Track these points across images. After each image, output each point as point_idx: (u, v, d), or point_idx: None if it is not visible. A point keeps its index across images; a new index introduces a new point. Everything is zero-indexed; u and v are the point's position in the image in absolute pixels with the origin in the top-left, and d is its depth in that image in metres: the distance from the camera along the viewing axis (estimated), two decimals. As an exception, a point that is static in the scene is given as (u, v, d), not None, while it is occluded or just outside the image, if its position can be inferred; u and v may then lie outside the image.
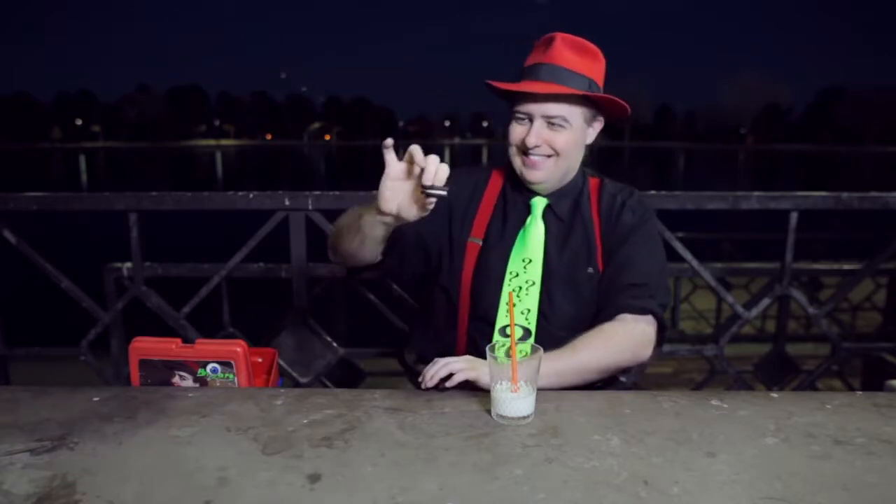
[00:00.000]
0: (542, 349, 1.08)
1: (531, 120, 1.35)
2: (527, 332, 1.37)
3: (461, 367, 1.16)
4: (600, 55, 1.37)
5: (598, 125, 1.42)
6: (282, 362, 2.42)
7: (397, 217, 1.18)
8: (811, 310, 2.52)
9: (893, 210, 2.38)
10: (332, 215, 2.26)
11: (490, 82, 1.36)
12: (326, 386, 2.54)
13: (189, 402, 1.14)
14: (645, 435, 1.02)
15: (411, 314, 2.13)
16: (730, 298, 2.49)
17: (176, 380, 1.26)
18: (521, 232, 1.41)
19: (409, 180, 1.15)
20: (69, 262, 2.56)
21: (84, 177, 43.73)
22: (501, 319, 1.38)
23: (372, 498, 0.84)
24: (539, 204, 1.42)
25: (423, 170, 1.11)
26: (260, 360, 1.37)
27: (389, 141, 1.14)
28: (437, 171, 1.10)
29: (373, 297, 2.57)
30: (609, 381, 1.43)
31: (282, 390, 1.20)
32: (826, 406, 1.13)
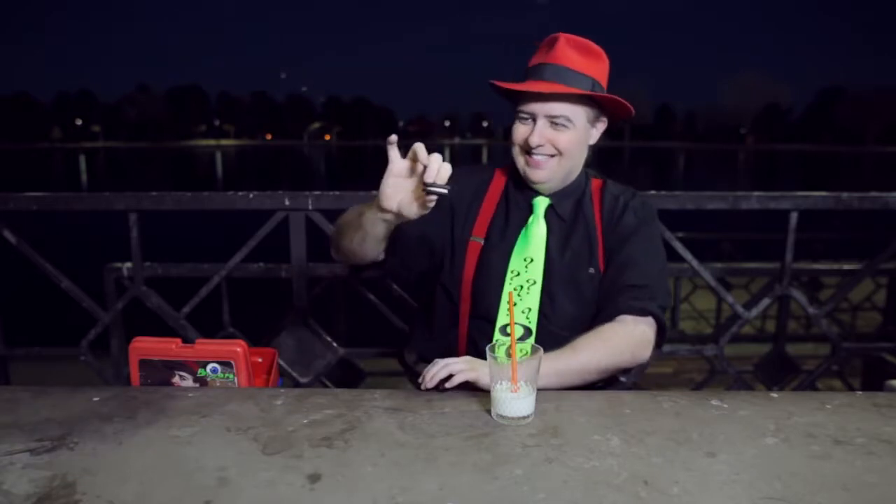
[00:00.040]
0: (542, 349, 1.08)
1: (535, 119, 1.35)
2: (527, 330, 1.37)
3: (461, 367, 1.16)
4: (604, 56, 1.37)
5: (602, 126, 1.42)
6: (282, 362, 2.42)
7: (398, 214, 1.18)
8: (811, 310, 2.52)
9: (893, 210, 2.38)
10: (332, 215, 2.26)
11: (494, 82, 1.36)
12: (326, 386, 2.54)
13: (189, 402, 1.14)
14: (645, 435, 1.02)
15: (411, 314, 2.13)
16: (730, 298, 2.49)
17: (176, 380, 1.26)
18: (524, 231, 1.42)
19: (412, 178, 1.15)
20: (69, 262, 2.56)
21: (84, 177, 43.74)
22: (502, 318, 1.38)
23: (372, 498, 0.84)
24: (541, 203, 1.43)
25: (425, 168, 1.11)
26: (260, 360, 1.37)
27: (394, 137, 1.15)
28: (439, 169, 1.11)
29: (373, 297, 2.57)
30: (609, 381, 1.43)
31: (282, 390, 1.20)
32: (826, 406, 1.13)
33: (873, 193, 2.38)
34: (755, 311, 2.49)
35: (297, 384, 2.48)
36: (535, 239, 1.40)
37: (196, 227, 10.57)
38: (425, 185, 1.11)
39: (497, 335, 1.38)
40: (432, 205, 1.16)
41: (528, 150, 1.37)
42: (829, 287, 5.68)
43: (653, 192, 2.27)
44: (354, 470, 0.91)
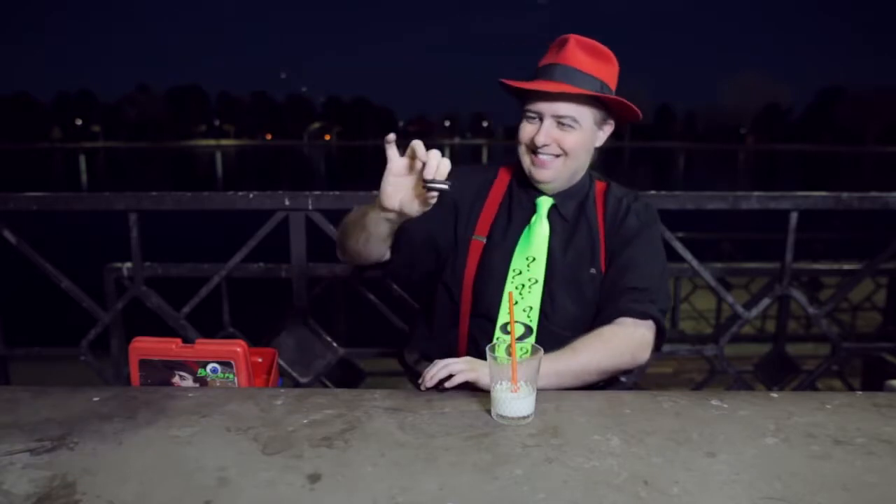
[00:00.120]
0: (542, 349, 1.08)
1: (542, 119, 1.35)
2: (528, 329, 1.37)
3: (461, 368, 1.16)
4: (614, 59, 1.37)
5: (609, 128, 1.43)
6: (282, 362, 2.42)
7: (400, 213, 1.18)
8: (811, 310, 2.52)
9: (893, 210, 2.38)
10: (332, 215, 2.26)
11: (503, 80, 1.36)
12: (326, 386, 2.54)
13: (189, 402, 1.14)
14: (645, 435, 1.02)
15: (411, 314, 2.13)
16: (730, 298, 2.49)
17: (176, 380, 1.26)
18: (526, 230, 1.42)
19: (411, 176, 1.15)
20: (69, 262, 2.56)
21: (84, 177, 43.74)
22: (503, 317, 1.38)
23: (372, 498, 0.84)
24: (545, 203, 1.43)
25: (424, 165, 1.11)
26: (260, 360, 1.37)
27: (392, 136, 1.14)
28: (438, 165, 1.10)
29: (373, 297, 2.57)
30: (609, 381, 1.43)
31: (282, 390, 1.20)
32: (826, 406, 1.13)
33: (873, 193, 2.38)
34: (755, 311, 2.49)
35: (297, 384, 2.48)
36: (537, 238, 1.41)
37: (196, 227, 10.57)
38: (425, 181, 1.11)
39: (498, 333, 1.38)
40: (434, 201, 1.16)
41: (534, 149, 1.37)
42: (829, 287, 5.68)
43: (653, 192, 2.27)
44: (354, 470, 0.91)
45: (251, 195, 2.29)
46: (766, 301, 2.50)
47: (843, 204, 2.36)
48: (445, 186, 1.11)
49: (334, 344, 2.49)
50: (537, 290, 1.38)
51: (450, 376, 1.16)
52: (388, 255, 1.36)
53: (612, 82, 1.37)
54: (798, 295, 2.49)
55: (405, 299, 2.49)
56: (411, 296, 2.45)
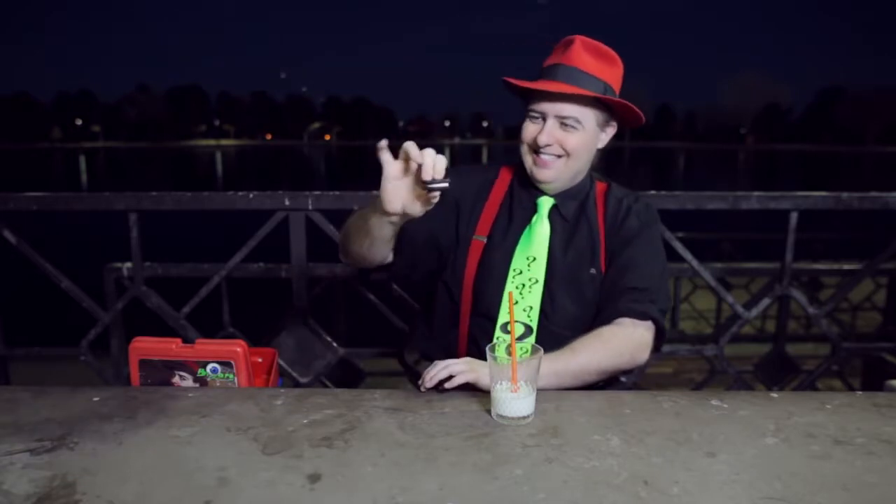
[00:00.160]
0: (542, 349, 1.08)
1: (544, 119, 1.35)
2: (528, 328, 1.37)
3: (461, 368, 1.16)
4: (618, 61, 1.37)
5: (612, 130, 1.43)
6: (282, 362, 2.42)
7: (403, 215, 1.17)
8: (811, 310, 2.52)
9: (893, 210, 2.38)
10: (332, 215, 2.26)
11: (507, 79, 1.37)
12: (326, 386, 2.54)
13: (189, 402, 1.14)
14: (645, 435, 1.02)
15: (411, 314, 2.13)
16: (730, 298, 2.49)
17: (176, 380, 1.26)
18: (527, 230, 1.42)
19: (408, 177, 1.14)
20: (69, 262, 2.56)
21: (84, 177, 43.74)
22: (503, 316, 1.38)
23: (372, 498, 0.84)
24: (546, 203, 1.43)
25: (420, 165, 1.10)
26: (260, 360, 1.37)
27: (384, 142, 1.13)
28: (434, 163, 1.10)
29: (373, 297, 2.57)
30: (609, 382, 1.43)
31: (282, 390, 1.20)
32: (826, 406, 1.13)
33: (873, 193, 2.38)
34: (755, 311, 2.50)
35: (297, 384, 2.48)
36: (538, 238, 1.41)
37: (196, 227, 10.57)
38: (425, 182, 1.10)
39: (498, 333, 1.38)
40: (436, 200, 1.16)
41: (536, 149, 1.37)
42: (829, 287, 5.68)
43: (653, 192, 2.28)
44: (354, 470, 0.91)
45: (251, 195, 2.29)
46: (766, 301, 2.50)
47: (843, 204, 2.36)
48: (446, 185, 1.10)
49: (334, 344, 2.49)
50: (537, 290, 1.38)
51: (450, 377, 1.16)
52: (391, 257, 1.36)
53: (617, 85, 1.37)
54: (798, 295, 2.49)
55: (405, 299, 2.49)
56: (411, 296, 2.46)
